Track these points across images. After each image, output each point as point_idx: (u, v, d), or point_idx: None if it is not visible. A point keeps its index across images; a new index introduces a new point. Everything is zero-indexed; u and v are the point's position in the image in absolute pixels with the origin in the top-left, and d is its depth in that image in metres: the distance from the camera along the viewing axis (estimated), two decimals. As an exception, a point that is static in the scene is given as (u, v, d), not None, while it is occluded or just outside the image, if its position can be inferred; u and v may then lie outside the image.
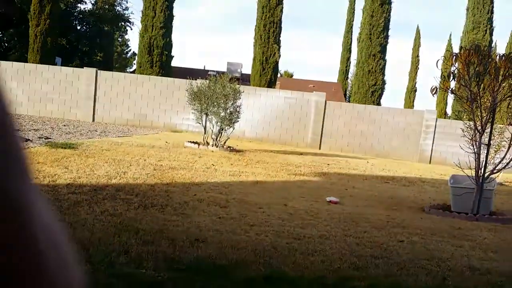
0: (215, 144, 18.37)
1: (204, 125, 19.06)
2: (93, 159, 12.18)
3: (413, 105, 46.61)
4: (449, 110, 43.13)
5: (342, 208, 9.87)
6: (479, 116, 11.04)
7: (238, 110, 18.68)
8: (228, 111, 18.29)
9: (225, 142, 18.62)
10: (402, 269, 6.04)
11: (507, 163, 10.93)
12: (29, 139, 14.16)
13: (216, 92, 18.25)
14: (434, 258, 6.71)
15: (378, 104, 37.29)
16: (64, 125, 21.25)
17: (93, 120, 25.98)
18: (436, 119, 26.38)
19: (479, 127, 11.02)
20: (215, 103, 18.21)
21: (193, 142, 18.56)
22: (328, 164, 18.21)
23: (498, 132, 15.31)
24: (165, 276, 4.91)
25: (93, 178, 9.70)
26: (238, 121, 18.80)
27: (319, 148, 26.05)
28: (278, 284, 4.97)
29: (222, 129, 18.57)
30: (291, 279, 5.19)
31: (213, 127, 18.62)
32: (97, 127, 22.52)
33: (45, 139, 15.06)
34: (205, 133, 19.08)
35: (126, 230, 6.31)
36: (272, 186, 11.76)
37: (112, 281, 4.60)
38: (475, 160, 10.92)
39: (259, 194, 10.33)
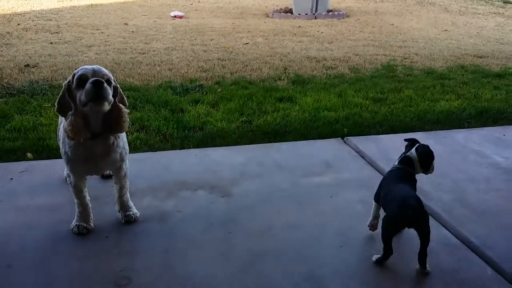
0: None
1: None
2: None
3: None
4: None
5: (187, 21, 9.58)
6: None
7: None
8: None
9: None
10: (247, 66, 6.26)
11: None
12: None
13: None
14: (277, 54, 7.04)
15: None
16: None
17: None
18: None
19: None
20: None
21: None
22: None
23: None
24: (-7, 102, 4.41)
25: None
26: None
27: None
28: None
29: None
30: (137, 88, 5.05)
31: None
32: None
33: None
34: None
35: None
36: (109, 8, 10.77)
37: None
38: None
39: (95, 16, 9.43)
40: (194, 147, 3.67)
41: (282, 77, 5.77)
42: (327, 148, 3.62)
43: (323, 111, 4.44)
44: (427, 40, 8.47)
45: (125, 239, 2.43)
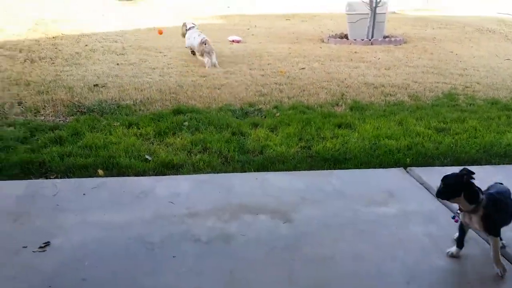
0: (103, -6, 16.70)
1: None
2: (-41, 18, 10.59)
3: None
4: None
5: (245, 46, 9.80)
6: None
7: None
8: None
9: (114, -9, 17.01)
10: (304, 91, 6.31)
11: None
12: None
13: None
14: (333, 79, 7.06)
15: None
16: None
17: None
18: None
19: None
20: None
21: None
22: (228, 7, 17.62)
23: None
24: (66, 119, 4.68)
25: (-36, 37, 8.52)
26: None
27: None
28: (186, 115, 4.96)
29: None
30: (199, 110, 5.21)
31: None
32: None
33: None
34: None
35: (15, 83, 5.77)
36: (170, 31, 11.17)
37: (8, 130, 4.29)
38: (369, -16, 11.07)
39: (158, 39, 9.84)
40: (254, 171, 3.73)
41: (340, 103, 5.77)
42: (389, 178, 3.58)
43: (384, 139, 4.40)
44: (488, 69, 8.22)
45: (192, 259, 2.50)
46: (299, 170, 3.77)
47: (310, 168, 3.83)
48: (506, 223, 2.44)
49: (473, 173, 2.36)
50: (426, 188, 3.39)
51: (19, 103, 5.05)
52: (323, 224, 2.88)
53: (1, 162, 3.62)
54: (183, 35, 8.41)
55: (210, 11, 16.04)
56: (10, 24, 10.32)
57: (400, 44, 10.79)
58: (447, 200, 2.44)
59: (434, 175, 3.59)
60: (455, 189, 2.34)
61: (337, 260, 2.52)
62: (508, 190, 2.44)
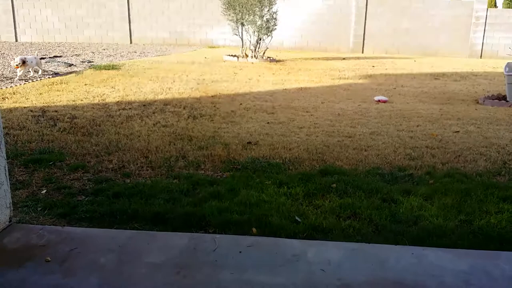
0: (254, 56, 18.02)
1: (241, 36, 18.60)
2: (137, 78, 12.27)
3: (460, -2, 43.19)
4: (499, 2, 39.76)
5: (391, 106, 9.62)
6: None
7: (274, 16, 18.01)
8: (264, 18, 17.68)
9: (264, 53, 18.23)
10: (459, 156, 5.91)
11: None
12: (72, 64, 14.36)
13: (250, -1, 17.61)
14: (493, 145, 6.50)
15: (423, -1, 34.85)
16: (104, 49, 21.36)
17: (131, 42, 25.94)
18: (487, 9, 24.52)
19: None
20: (250, 11, 17.60)
21: (232, 56, 18.29)
22: (373, 66, 17.61)
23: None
24: (223, 175, 5.02)
25: (140, 95, 9.81)
26: (275, 28, 18.18)
27: (362, 52, 25.13)
28: (334, 176, 4.97)
29: (260, 39, 18.09)
30: (346, 172, 5.18)
31: (250, 38, 18.16)
32: (136, 48, 22.52)
33: (88, 62, 15.23)
34: (243, 46, 18.69)
35: (180, 138, 6.42)
36: (316, 91, 11.53)
37: (174, 182, 4.75)
38: (534, 44, 10.16)
39: (305, 99, 10.18)
40: (408, 243, 3.53)
41: (502, 173, 5.26)
42: None
43: (562, 220, 3.85)
44: None
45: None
46: (460, 248, 3.46)
47: (472, 246, 3.50)
48: None
49: None
50: None
51: (183, 157, 5.58)
52: (493, 316, 2.57)
53: (168, 213, 3.98)
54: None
55: (352, 72, 16.21)
56: (176, 83, 11.64)
57: None
58: None
59: None
60: None
61: None
62: None
